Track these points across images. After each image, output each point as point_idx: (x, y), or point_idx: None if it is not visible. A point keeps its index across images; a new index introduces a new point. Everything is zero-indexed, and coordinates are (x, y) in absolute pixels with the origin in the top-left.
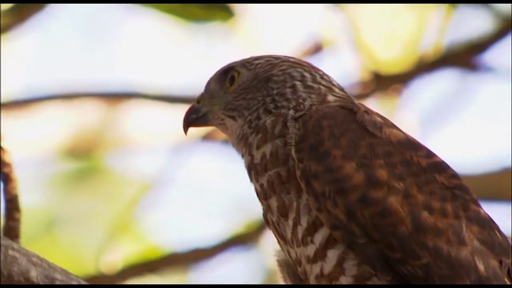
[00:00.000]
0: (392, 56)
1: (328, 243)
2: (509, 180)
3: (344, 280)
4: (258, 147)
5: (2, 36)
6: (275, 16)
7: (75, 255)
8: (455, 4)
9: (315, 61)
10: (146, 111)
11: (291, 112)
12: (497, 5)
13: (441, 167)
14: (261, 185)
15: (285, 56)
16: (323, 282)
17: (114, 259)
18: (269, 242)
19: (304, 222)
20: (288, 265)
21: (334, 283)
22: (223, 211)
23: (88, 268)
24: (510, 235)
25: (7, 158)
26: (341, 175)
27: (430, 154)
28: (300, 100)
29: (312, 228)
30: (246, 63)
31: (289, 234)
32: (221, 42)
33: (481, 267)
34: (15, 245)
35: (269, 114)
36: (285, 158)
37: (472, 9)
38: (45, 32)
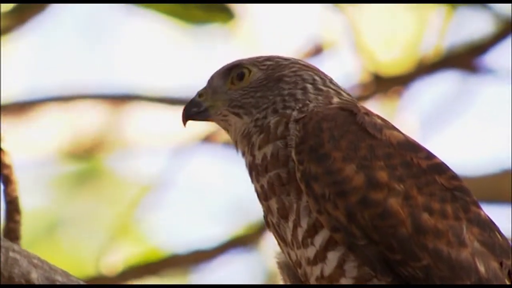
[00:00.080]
0: (392, 58)
1: (329, 245)
2: (509, 182)
3: (344, 282)
4: (260, 148)
5: (3, 38)
6: (276, 17)
7: (75, 257)
8: (455, 6)
9: (315, 63)
10: (147, 113)
11: (295, 113)
12: (497, 7)
13: (441, 168)
14: (262, 186)
15: (294, 59)
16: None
17: (114, 261)
18: (270, 244)
19: (304, 224)
20: (288, 267)
21: None
22: (223, 213)
23: (88, 270)
24: (510, 237)
25: (7, 160)
26: (341, 177)
27: (430, 155)
28: (307, 102)
29: (312, 230)
30: (257, 62)
31: (289, 236)
32: (221, 44)
33: (481, 268)
34: (16, 247)
35: (275, 114)
36: (286, 160)
37: (473, 11)
38: (46, 33)
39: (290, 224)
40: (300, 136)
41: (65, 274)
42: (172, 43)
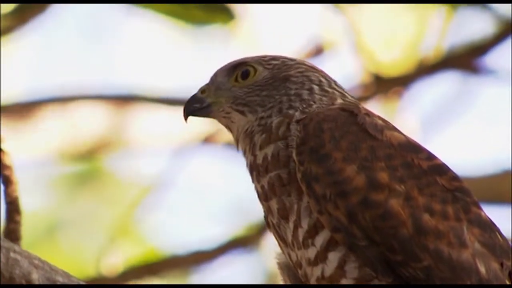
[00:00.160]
0: (393, 58)
1: (329, 246)
2: (509, 182)
3: (345, 283)
4: (261, 148)
5: (4, 38)
6: (276, 18)
7: (76, 258)
8: (455, 7)
9: (316, 64)
10: (147, 114)
11: (297, 114)
12: (498, 7)
13: (442, 169)
14: (262, 187)
15: (299, 59)
16: None
17: (115, 262)
18: (270, 244)
19: (305, 224)
20: (288, 267)
21: None
22: (223, 213)
23: (89, 271)
24: (511, 238)
25: (8, 160)
26: (342, 178)
27: (431, 156)
28: (311, 103)
29: (313, 231)
30: (263, 61)
31: (289, 237)
32: (222, 45)
33: (482, 269)
34: (16, 248)
35: (280, 114)
36: (286, 160)
37: (473, 12)
38: (46, 34)
39: (291, 224)
40: (301, 137)
41: (66, 274)
42: (172, 44)
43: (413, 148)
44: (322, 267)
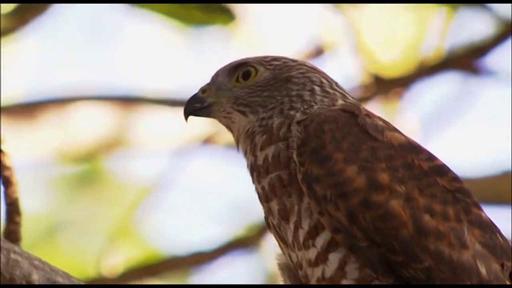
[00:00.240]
0: (393, 59)
1: (330, 247)
2: (509, 183)
3: (345, 284)
4: (262, 149)
5: (5, 39)
6: (276, 19)
7: (76, 259)
8: (456, 8)
9: (316, 65)
10: (147, 115)
11: (298, 115)
12: (498, 8)
13: (442, 170)
14: (263, 188)
15: (300, 60)
16: None
17: (115, 263)
18: (270, 245)
19: (305, 225)
20: (289, 268)
21: None
22: (224, 214)
23: (89, 272)
24: (511, 238)
25: (8, 161)
26: (342, 179)
27: (431, 157)
28: (312, 104)
29: (314, 232)
30: (264, 62)
31: (290, 238)
32: (222, 45)
33: (483, 270)
34: (17, 249)
35: (281, 114)
36: (287, 161)
37: (473, 13)
38: (46, 35)
39: (291, 225)
40: (301, 138)
41: (66, 275)
42: (173, 45)
43: (414, 149)
44: (322, 268)
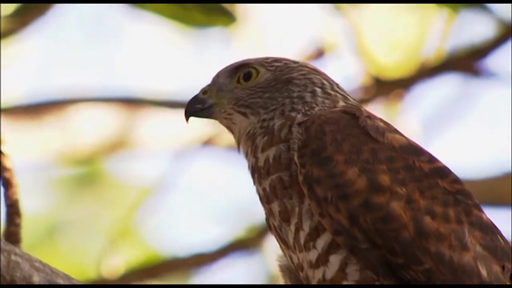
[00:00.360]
0: (394, 61)
1: (331, 248)
2: (509, 185)
3: None
4: (263, 150)
5: (5, 41)
6: (277, 21)
7: (76, 260)
8: (457, 9)
9: (317, 66)
10: (148, 116)
11: (299, 116)
12: (499, 10)
13: (443, 172)
14: (264, 189)
15: (302, 62)
16: None
17: (115, 265)
18: (271, 247)
19: (306, 227)
20: (290, 270)
21: None
22: (224, 215)
23: (89, 273)
24: (511, 240)
25: (8, 163)
26: (343, 180)
27: (432, 159)
28: (314, 105)
29: (315, 233)
30: (265, 63)
31: (291, 239)
32: (223, 47)
33: (483, 272)
34: (17, 250)
35: (282, 116)
36: (288, 163)
37: (474, 15)
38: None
39: (292, 227)
40: (302, 139)
41: (67, 277)
42: (173, 46)
43: (415, 150)
44: (323, 270)
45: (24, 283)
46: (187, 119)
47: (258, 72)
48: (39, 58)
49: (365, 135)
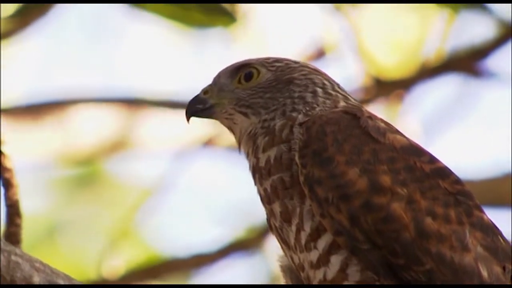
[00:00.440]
0: (394, 61)
1: (331, 249)
2: (509, 185)
3: None
4: (264, 150)
5: (6, 41)
6: (277, 21)
7: (76, 260)
8: (457, 10)
9: (318, 66)
10: (148, 117)
11: (300, 116)
12: (499, 10)
13: (444, 172)
14: (265, 190)
15: (303, 62)
16: None
17: (115, 265)
18: (272, 247)
19: (307, 227)
20: (291, 270)
21: None
22: (225, 216)
23: (90, 274)
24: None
25: (8, 163)
26: (344, 181)
27: (433, 159)
28: (315, 105)
29: (315, 234)
30: (266, 63)
31: (292, 240)
32: (224, 47)
33: (484, 273)
34: (18, 251)
35: (283, 116)
36: (289, 164)
37: (474, 15)
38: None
39: (293, 228)
40: (303, 140)
41: (67, 277)
42: (174, 46)
43: (416, 151)
44: (324, 270)
45: (24, 284)
46: (188, 119)
47: (259, 72)
48: (39, 58)
49: (366, 135)
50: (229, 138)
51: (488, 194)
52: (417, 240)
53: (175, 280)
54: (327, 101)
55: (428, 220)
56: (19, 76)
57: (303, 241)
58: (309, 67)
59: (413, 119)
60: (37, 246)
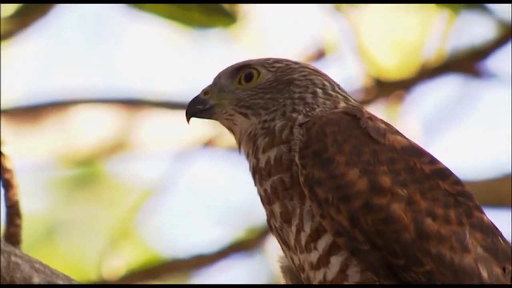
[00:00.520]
0: (394, 62)
1: (332, 250)
2: (509, 186)
3: None
4: (264, 151)
5: (6, 42)
6: (277, 21)
7: (76, 261)
8: (457, 11)
9: (318, 67)
10: (148, 117)
11: (300, 117)
12: (499, 11)
13: (444, 173)
14: (265, 190)
15: (303, 62)
16: None
17: (115, 266)
18: (272, 248)
19: (307, 228)
20: (291, 271)
21: None
22: (225, 217)
23: (89, 274)
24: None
25: (8, 164)
26: (344, 182)
27: (433, 160)
28: (315, 106)
29: (316, 235)
30: (266, 64)
31: (292, 241)
32: (224, 47)
33: (484, 274)
34: (17, 252)
35: (283, 117)
36: (289, 164)
37: (474, 16)
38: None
39: (293, 228)
40: (303, 141)
41: (67, 278)
42: (174, 47)
43: (416, 152)
44: (324, 271)
45: (24, 284)
46: (188, 120)
47: (259, 73)
48: (40, 58)
49: (366, 136)
50: (229, 138)
51: (488, 195)
52: (417, 241)
53: (175, 281)
54: (327, 102)
55: (428, 221)
56: (19, 76)
57: (303, 242)
58: (309, 68)
59: (413, 120)
60: (37, 247)
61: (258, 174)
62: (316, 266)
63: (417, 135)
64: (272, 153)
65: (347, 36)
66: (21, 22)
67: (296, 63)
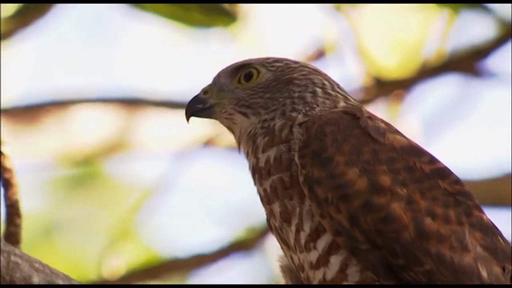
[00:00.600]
0: (394, 61)
1: (331, 249)
2: (509, 185)
3: None
4: (263, 151)
5: (5, 42)
6: (277, 21)
7: (76, 261)
8: (457, 10)
9: (318, 66)
10: (148, 117)
11: (300, 116)
12: (499, 11)
13: (444, 173)
14: (264, 190)
15: (302, 62)
16: None
17: (115, 266)
18: (272, 247)
19: (307, 228)
20: (291, 270)
21: None
22: (225, 216)
23: (89, 274)
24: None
25: (8, 163)
26: (344, 181)
27: (433, 160)
28: (314, 106)
29: (315, 234)
30: (266, 63)
31: (292, 240)
32: (224, 47)
33: (484, 273)
34: (17, 251)
35: (283, 116)
36: (289, 164)
37: (475, 15)
38: (46, 37)
39: (293, 228)
40: (303, 140)
41: (67, 278)
42: (174, 47)
43: (415, 151)
44: (324, 271)
45: (23, 284)
46: (187, 119)
47: (259, 72)
48: (39, 58)
49: (365, 135)
50: (229, 138)
51: (488, 194)
52: (417, 240)
53: (175, 280)
54: (327, 101)
55: (428, 221)
56: (19, 76)
57: (302, 242)
58: (309, 67)
59: (413, 119)
60: (37, 246)
61: (258, 173)
62: (315, 266)
63: (417, 134)
64: (272, 153)
65: (347, 36)
66: (21, 22)
67: (295, 62)
